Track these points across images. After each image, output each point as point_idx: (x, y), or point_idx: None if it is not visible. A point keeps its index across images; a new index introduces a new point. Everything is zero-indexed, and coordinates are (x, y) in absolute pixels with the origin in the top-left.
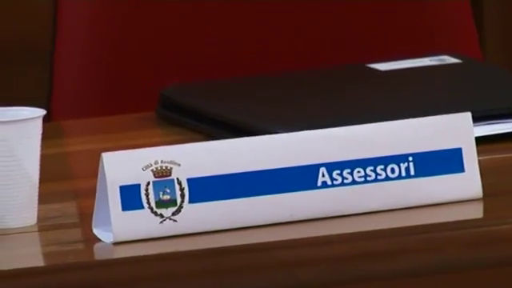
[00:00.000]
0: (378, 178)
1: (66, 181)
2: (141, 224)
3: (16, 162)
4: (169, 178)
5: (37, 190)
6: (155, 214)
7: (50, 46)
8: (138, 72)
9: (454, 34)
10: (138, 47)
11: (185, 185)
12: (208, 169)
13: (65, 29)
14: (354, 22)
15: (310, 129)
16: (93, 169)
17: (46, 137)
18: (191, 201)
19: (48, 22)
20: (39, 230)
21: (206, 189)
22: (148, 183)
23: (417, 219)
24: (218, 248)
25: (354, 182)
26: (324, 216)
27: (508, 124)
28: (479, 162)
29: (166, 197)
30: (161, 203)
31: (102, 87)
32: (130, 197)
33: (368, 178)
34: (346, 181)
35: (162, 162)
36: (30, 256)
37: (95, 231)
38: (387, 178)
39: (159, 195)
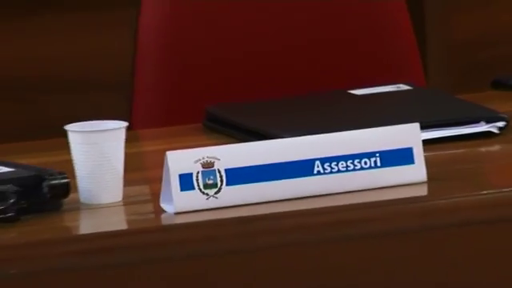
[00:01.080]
0: (355, 168)
1: (141, 171)
2: (193, 200)
3: (107, 158)
4: (212, 168)
5: (122, 177)
6: (203, 193)
7: (128, 78)
8: (192, 94)
9: (405, 68)
10: (191, 77)
11: (223, 173)
12: (238, 162)
13: (140, 68)
14: (337, 60)
15: (308, 134)
16: (160, 162)
17: (128, 141)
18: (227, 184)
19: (127, 59)
20: (124, 205)
21: (237, 176)
22: (198, 172)
23: (381, 196)
24: (246, 216)
25: (338, 171)
26: (318, 194)
27: (447, 131)
28: (426, 157)
29: (210, 181)
30: (206, 186)
31: (166, 107)
32: (186, 181)
33: (348, 168)
34: (333, 170)
35: (207, 157)
36: (117, 222)
37: (162, 205)
38: (361, 168)
39: (205, 180)
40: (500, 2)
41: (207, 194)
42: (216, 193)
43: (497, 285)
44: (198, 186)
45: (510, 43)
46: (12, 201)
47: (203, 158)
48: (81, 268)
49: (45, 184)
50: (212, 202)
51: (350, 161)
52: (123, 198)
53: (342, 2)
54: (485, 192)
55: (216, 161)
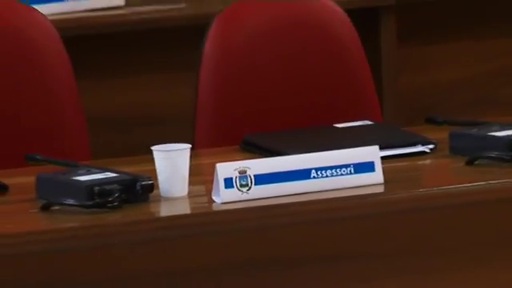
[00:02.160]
0: (338, 174)
1: (199, 176)
2: (232, 195)
3: (178, 167)
4: (245, 174)
5: (187, 180)
6: (239, 190)
7: (192, 115)
8: (232, 126)
9: (368, 109)
10: (232, 117)
11: (252, 177)
12: (262, 170)
13: (199, 109)
14: (322, 101)
15: (308, 152)
16: (212, 171)
17: (191, 156)
18: (255, 185)
19: (192, 103)
20: (188, 197)
21: (261, 179)
22: (236, 177)
23: (353, 192)
24: (266, 205)
25: (326, 176)
26: (313, 191)
27: (396, 150)
28: (382, 167)
29: (243, 183)
30: (241, 185)
31: (215, 135)
32: (228, 183)
33: (333, 174)
34: (323, 175)
35: (242, 167)
36: (184, 208)
37: (213, 198)
38: (341, 174)
39: (240, 182)
40: (437, 64)
41: (242, 191)
42: (247, 190)
43: (424, 253)
44: (236, 185)
45: (441, 94)
46: (116, 195)
47: (239, 168)
48: (161, 238)
49: (138, 184)
50: (245, 196)
51: (334, 169)
52: (188, 193)
53: (321, 62)
54: (421, 190)
55: (247, 169)
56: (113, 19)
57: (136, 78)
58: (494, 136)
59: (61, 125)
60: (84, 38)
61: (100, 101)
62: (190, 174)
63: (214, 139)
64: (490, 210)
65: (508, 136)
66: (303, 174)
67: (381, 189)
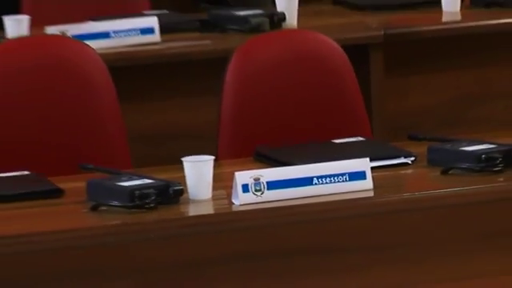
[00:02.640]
0: (336, 181)
1: (221, 182)
2: (248, 198)
3: (204, 175)
4: (259, 181)
5: (211, 185)
6: (254, 194)
7: (216, 132)
8: (246, 141)
9: (360, 128)
10: (246, 132)
11: (265, 184)
12: (273, 178)
13: (222, 127)
14: (324, 122)
15: (311, 163)
16: (232, 178)
17: (215, 166)
18: (267, 190)
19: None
20: (212, 200)
21: (272, 185)
22: (251, 183)
23: (348, 196)
24: (276, 206)
25: (325, 183)
26: (314, 195)
27: (383, 162)
28: (373, 176)
29: (258, 188)
30: (256, 190)
31: (234, 148)
32: (245, 188)
33: (331, 181)
34: (323, 182)
35: (256, 175)
36: (208, 209)
37: (233, 200)
38: (338, 181)
39: (255, 187)
40: (417, 91)
41: (256, 195)
42: (261, 194)
43: (407, 245)
44: (251, 190)
45: (420, 116)
46: (152, 198)
47: (254, 176)
48: (189, 233)
49: (170, 189)
50: (258, 199)
51: (332, 177)
52: (212, 197)
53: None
54: (404, 194)
55: (261, 177)
56: (150, 53)
57: (169, 101)
58: (464, 150)
59: (107, 140)
60: (126, 68)
61: (139, 120)
62: (214, 181)
63: (232, 152)
64: (461, 211)
65: (476, 151)
66: (306, 181)
67: (371, 193)
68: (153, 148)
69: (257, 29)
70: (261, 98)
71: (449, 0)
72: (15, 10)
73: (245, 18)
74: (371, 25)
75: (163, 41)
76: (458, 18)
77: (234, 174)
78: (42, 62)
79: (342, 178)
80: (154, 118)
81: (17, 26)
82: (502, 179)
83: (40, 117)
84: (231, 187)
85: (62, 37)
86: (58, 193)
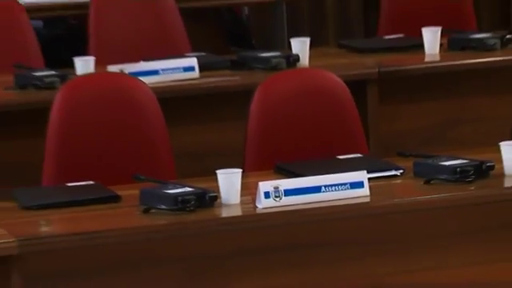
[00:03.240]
0: (340, 189)
1: (247, 190)
2: (269, 203)
3: (234, 185)
4: (278, 189)
5: (239, 192)
6: (274, 199)
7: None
8: (267, 157)
9: (359, 145)
10: (268, 152)
11: (283, 191)
12: (289, 186)
13: (248, 145)
14: (330, 142)
15: (319, 174)
16: (256, 186)
17: (242, 177)
18: (285, 196)
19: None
20: (240, 204)
21: (289, 192)
22: (272, 191)
23: (349, 202)
24: (292, 210)
25: (332, 191)
26: (322, 200)
27: (377, 174)
28: (369, 185)
29: (277, 195)
30: (276, 197)
31: (258, 164)
32: (266, 195)
33: (336, 189)
34: (330, 190)
35: (276, 184)
36: (237, 211)
37: (257, 205)
38: (341, 190)
39: (275, 194)
40: (405, 117)
41: (276, 200)
42: (279, 200)
43: (396, 241)
44: (272, 196)
45: (408, 137)
46: (192, 202)
47: (274, 185)
48: (221, 230)
49: (206, 195)
50: (277, 204)
51: (337, 186)
52: (240, 201)
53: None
54: (394, 200)
55: (280, 186)
56: (191, 87)
57: (205, 125)
58: (443, 165)
59: (157, 156)
60: (172, 99)
61: (182, 141)
62: (241, 189)
63: (256, 166)
64: (439, 213)
65: (452, 165)
66: (316, 189)
67: (368, 199)
68: (193, 163)
69: (276, 67)
70: (279, 123)
71: (430, 44)
72: (83, 52)
73: (267, 58)
74: (368, 64)
75: (201, 77)
76: (438, 58)
77: (257, 183)
78: (105, 94)
79: (344, 186)
80: (194, 138)
81: (85, 65)
82: (473, 188)
83: (103, 138)
84: (255, 194)
85: (121, 74)
86: (116, 199)
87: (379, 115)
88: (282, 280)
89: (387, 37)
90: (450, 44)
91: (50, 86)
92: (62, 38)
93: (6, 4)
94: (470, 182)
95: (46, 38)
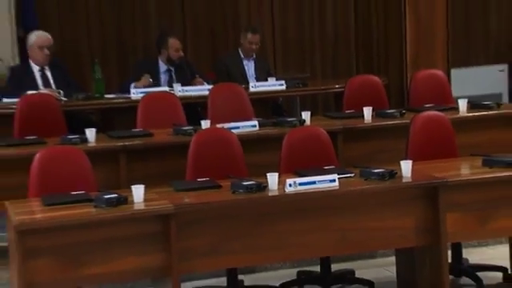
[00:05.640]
0: (324, 182)
1: (281, 184)
2: (291, 189)
3: (274, 180)
4: (295, 182)
5: (276, 184)
6: (293, 187)
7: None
8: (291, 167)
9: (333, 162)
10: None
11: (297, 183)
12: (301, 181)
13: (281, 166)
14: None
15: (315, 175)
16: (284, 181)
17: (278, 177)
18: (299, 185)
19: None
20: (277, 190)
21: (300, 184)
22: (292, 183)
23: (329, 188)
24: (302, 192)
25: (321, 182)
26: (317, 188)
27: (343, 175)
28: (339, 181)
29: (295, 185)
30: (294, 185)
31: (285, 170)
32: (290, 185)
33: (323, 182)
34: (320, 182)
35: (294, 180)
36: (275, 193)
37: (285, 189)
38: (325, 182)
39: (294, 184)
40: (355, 150)
41: (294, 187)
42: (296, 187)
43: (351, 209)
44: (292, 186)
45: (359, 159)
46: (254, 188)
47: (293, 180)
48: (269, 202)
49: (262, 185)
50: (295, 189)
51: (324, 181)
52: (277, 188)
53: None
54: (350, 188)
55: (296, 181)
56: (254, 134)
57: (260, 152)
58: (374, 171)
59: (238, 167)
60: (246, 140)
61: (250, 159)
62: (278, 183)
63: (285, 171)
64: (371, 194)
65: (378, 171)
66: (313, 182)
67: (337, 187)
68: (256, 170)
69: (295, 125)
70: (296, 151)
71: (367, 115)
72: (205, 117)
73: (290, 121)
74: (337, 124)
75: (260, 129)
76: (370, 121)
77: (285, 180)
78: (216, 137)
79: (327, 181)
80: (256, 159)
81: (206, 124)
82: (387, 182)
83: (218, 157)
84: (284, 184)
85: (222, 129)
86: (219, 187)
87: (344, 148)
88: (295, 225)
89: (347, 111)
90: (377, 114)
91: (189, 134)
92: (198, 112)
93: (165, 95)
94: (386, 179)
95: (188, 111)
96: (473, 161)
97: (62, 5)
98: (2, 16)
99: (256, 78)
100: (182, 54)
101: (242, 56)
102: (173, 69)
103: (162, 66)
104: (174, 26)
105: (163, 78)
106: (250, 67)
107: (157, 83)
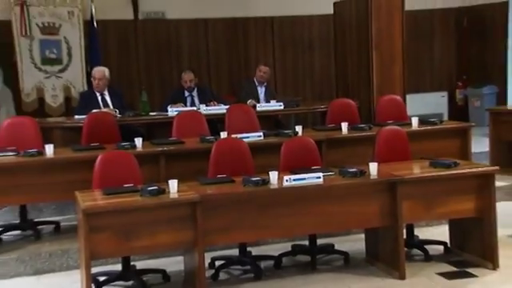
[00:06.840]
0: (312, 179)
1: (280, 179)
2: (288, 183)
3: (274, 176)
4: (290, 178)
5: (277, 179)
6: (290, 182)
7: None
8: (288, 168)
9: (318, 164)
10: None
11: (292, 179)
12: (295, 177)
13: (281, 168)
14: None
15: (306, 173)
16: (283, 177)
17: (278, 174)
18: (293, 181)
19: None
20: (277, 184)
21: (295, 179)
22: (288, 178)
23: (316, 183)
24: (296, 186)
25: (309, 179)
26: (308, 183)
27: (326, 173)
28: (323, 177)
29: (291, 180)
30: (290, 180)
31: (283, 170)
32: (287, 180)
33: (311, 179)
34: (309, 179)
35: (290, 176)
36: (275, 186)
37: (283, 183)
38: (312, 179)
39: (290, 180)
40: (337, 155)
41: (291, 182)
42: (291, 182)
43: (333, 200)
44: (289, 181)
45: (341, 161)
46: (260, 182)
47: (289, 176)
48: (273, 193)
49: (265, 180)
50: (291, 184)
51: (312, 177)
52: (277, 182)
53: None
54: (332, 182)
55: (291, 177)
56: (260, 142)
57: (265, 156)
58: (349, 170)
59: (247, 167)
60: (254, 148)
61: (257, 162)
62: (277, 178)
63: (284, 170)
64: (345, 187)
65: (354, 171)
66: (303, 179)
67: (322, 182)
68: (262, 169)
69: (290, 136)
70: (291, 156)
71: (344, 128)
72: (223, 129)
73: (287, 133)
74: (322, 135)
75: (264, 139)
76: (346, 133)
77: (283, 176)
78: (231, 145)
79: (313, 178)
80: (261, 161)
81: (224, 134)
82: (358, 179)
83: (233, 161)
84: (283, 180)
85: (235, 138)
86: (233, 181)
87: (327, 153)
88: (291, 210)
89: (329, 125)
90: (351, 127)
91: (211, 142)
92: (217, 125)
93: (193, 113)
94: (358, 176)
95: (210, 125)
96: (422, 163)
97: (120, 47)
98: (76, 54)
99: (265, 100)
100: (191, 84)
101: (257, 84)
102: (195, 94)
103: (186, 93)
104: (201, 64)
105: (189, 100)
106: (261, 91)
107: (183, 105)
